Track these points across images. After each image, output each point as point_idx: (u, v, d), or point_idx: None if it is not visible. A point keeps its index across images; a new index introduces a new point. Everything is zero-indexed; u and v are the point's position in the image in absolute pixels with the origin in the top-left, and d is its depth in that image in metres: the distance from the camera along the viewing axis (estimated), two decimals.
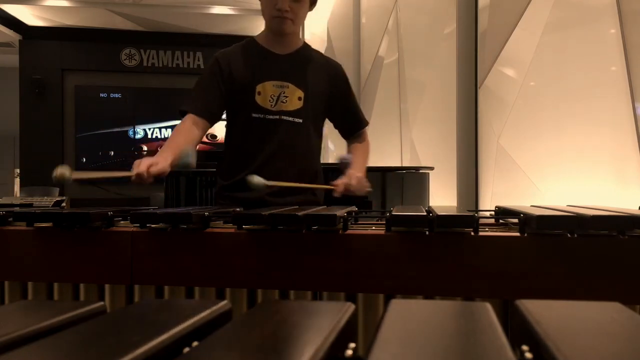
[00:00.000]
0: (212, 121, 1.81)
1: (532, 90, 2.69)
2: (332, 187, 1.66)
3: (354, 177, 1.67)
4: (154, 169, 1.47)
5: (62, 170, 1.32)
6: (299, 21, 1.79)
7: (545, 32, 2.53)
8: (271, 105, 1.79)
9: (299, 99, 1.81)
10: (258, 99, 1.79)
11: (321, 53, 2.01)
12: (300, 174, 1.82)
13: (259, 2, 1.82)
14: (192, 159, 1.53)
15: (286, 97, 1.80)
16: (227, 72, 1.81)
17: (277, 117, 1.79)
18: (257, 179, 1.55)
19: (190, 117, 1.77)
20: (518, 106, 2.76)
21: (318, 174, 1.92)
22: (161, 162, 1.50)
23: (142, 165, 1.46)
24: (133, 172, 1.45)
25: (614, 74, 2.12)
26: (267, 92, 1.79)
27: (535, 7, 2.61)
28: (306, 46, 1.92)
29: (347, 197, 1.67)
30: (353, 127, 1.97)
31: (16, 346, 0.47)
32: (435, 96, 3.67)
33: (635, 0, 2.04)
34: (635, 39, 2.02)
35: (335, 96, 1.89)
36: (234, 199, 1.78)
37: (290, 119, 1.80)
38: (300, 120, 1.81)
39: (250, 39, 1.89)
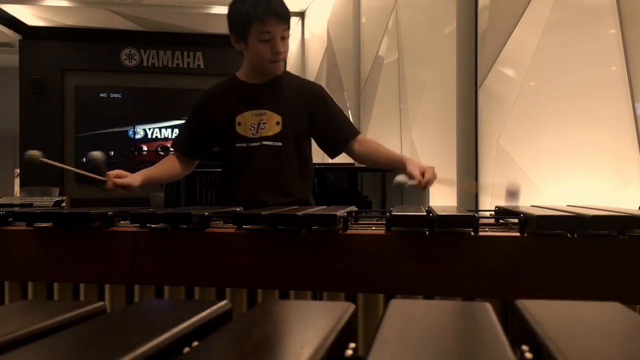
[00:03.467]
0: (195, 157, 2.00)
1: (532, 90, 2.69)
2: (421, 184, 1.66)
3: (428, 169, 1.69)
4: (119, 181, 1.68)
5: (34, 153, 1.56)
6: (286, 56, 1.88)
7: (545, 32, 2.53)
8: (252, 133, 1.86)
9: (277, 123, 1.86)
10: (239, 129, 1.87)
11: (299, 77, 2.06)
12: (285, 196, 1.86)
13: None
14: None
15: (265, 123, 1.86)
16: (207, 110, 1.93)
17: (259, 143, 1.86)
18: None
19: (174, 154, 1.97)
20: (518, 106, 2.76)
21: (300, 194, 1.91)
22: (129, 177, 1.72)
23: (112, 173, 1.68)
24: (103, 177, 1.66)
25: (614, 74, 2.12)
26: (247, 122, 1.87)
27: (535, 7, 2.61)
28: (285, 73, 1.96)
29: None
30: (341, 140, 1.93)
31: (16, 346, 0.47)
32: (435, 96, 3.67)
33: (635, 0, 2.04)
34: (635, 39, 2.02)
35: (315, 116, 1.91)
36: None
37: (271, 143, 1.86)
38: (280, 144, 1.86)
39: (232, 76, 1.98)
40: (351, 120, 5.23)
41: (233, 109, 1.88)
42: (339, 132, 1.93)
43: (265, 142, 1.85)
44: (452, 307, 0.61)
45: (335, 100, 2.00)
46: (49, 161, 1.64)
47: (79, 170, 1.70)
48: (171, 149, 2.01)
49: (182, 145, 1.98)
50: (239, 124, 1.87)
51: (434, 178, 1.68)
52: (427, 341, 0.46)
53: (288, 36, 1.81)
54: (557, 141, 2.47)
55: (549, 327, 0.48)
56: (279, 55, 1.80)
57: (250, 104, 1.87)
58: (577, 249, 1.07)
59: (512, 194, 1.61)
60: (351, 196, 2.91)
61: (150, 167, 1.92)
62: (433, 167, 1.72)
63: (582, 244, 1.07)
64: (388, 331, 0.48)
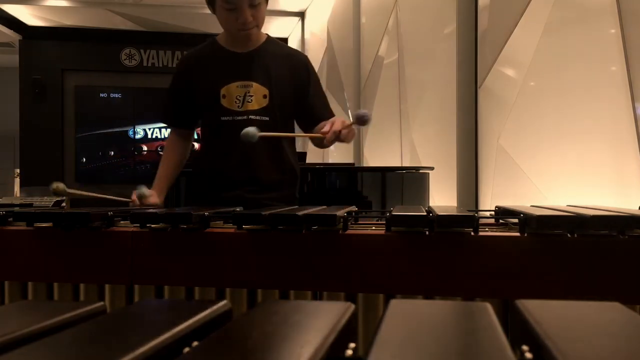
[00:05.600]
0: (193, 127, 1.95)
1: (532, 90, 2.69)
2: (322, 136, 1.61)
3: (341, 123, 1.61)
4: (146, 201, 1.71)
5: (58, 185, 1.57)
6: (262, 22, 1.76)
7: (545, 32, 2.53)
8: (238, 106, 1.78)
9: (264, 97, 1.79)
10: (224, 102, 1.79)
11: (286, 45, 1.96)
12: (273, 171, 1.82)
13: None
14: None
15: (251, 96, 1.78)
16: (190, 79, 1.84)
17: (245, 117, 1.78)
18: (251, 130, 1.52)
19: (174, 132, 1.93)
20: (518, 106, 2.76)
21: (292, 171, 1.89)
22: (153, 197, 1.75)
23: (135, 198, 1.71)
24: (130, 200, 1.71)
25: (614, 74, 2.12)
26: (232, 94, 1.78)
27: (535, 7, 2.61)
28: (269, 40, 1.87)
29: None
30: (313, 120, 1.85)
31: (16, 346, 0.47)
32: (435, 96, 3.67)
33: (635, 0, 2.04)
34: (635, 39, 2.02)
35: (297, 89, 1.84)
36: (211, 199, 1.80)
37: (258, 117, 1.78)
38: (267, 118, 1.79)
39: (212, 40, 1.87)
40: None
41: (217, 79, 1.79)
42: (313, 114, 1.86)
43: (252, 117, 1.77)
44: (452, 307, 0.61)
45: (317, 76, 1.92)
46: (74, 191, 1.70)
47: (105, 196, 1.72)
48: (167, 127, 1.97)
49: (176, 119, 1.91)
50: (224, 96, 1.78)
51: (339, 135, 1.59)
52: (427, 341, 0.46)
53: (261, 2, 1.69)
54: (557, 141, 2.47)
55: (549, 327, 0.48)
56: (246, 25, 1.70)
57: (236, 75, 1.78)
58: (577, 249, 1.07)
59: (360, 119, 1.52)
60: (351, 196, 2.91)
61: (160, 171, 1.88)
62: (344, 121, 1.62)
63: (582, 244, 1.07)
64: (388, 331, 0.48)
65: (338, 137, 1.59)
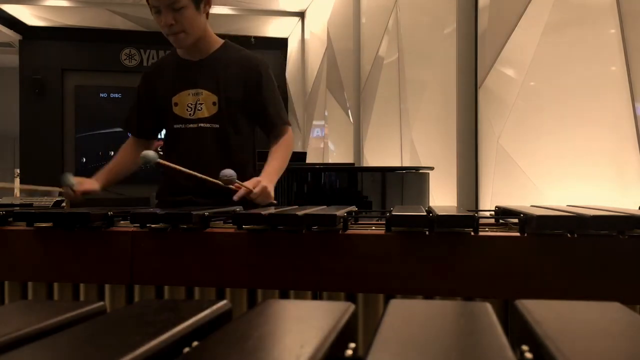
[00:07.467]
0: (152, 137, 1.97)
1: (532, 90, 2.69)
2: (232, 188, 1.56)
3: (259, 186, 1.60)
4: (80, 187, 1.70)
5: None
6: (192, 30, 1.72)
7: (545, 32, 2.53)
8: (189, 114, 1.81)
9: (214, 104, 1.80)
10: (176, 110, 1.82)
11: (242, 50, 1.90)
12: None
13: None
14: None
15: (202, 104, 1.80)
16: (150, 89, 1.89)
17: (196, 125, 1.81)
18: (151, 154, 1.50)
19: (131, 140, 1.96)
20: (518, 106, 2.76)
21: (249, 175, 1.80)
22: (89, 183, 1.76)
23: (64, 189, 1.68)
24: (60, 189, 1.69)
25: (614, 74, 2.12)
26: (183, 102, 1.81)
27: (535, 7, 2.61)
28: (225, 47, 1.86)
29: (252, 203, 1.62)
30: (267, 126, 1.85)
31: (16, 346, 0.47)
32: (435, 96, 3.67)
33: (635, 0, 2.04)
34: (635, 39, 2.02)
35: (248, 92, 1.81)
36: (167, 202, 1.86)
37: (208, 125, 1.80)
38: (218, 125, 1.80)
39: (172, 51, 1.90)
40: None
41: (170, 88, 1.82)
42: (266, 121, 1.84)
43: (202, 124, 1.79)
44: (452, 307, 0.61)
45: (273, 80, 1.87)
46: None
47: (39, 188, 1.73)
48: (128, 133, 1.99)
49: (134, 128, 1.95)
50: (176, 104, 1.81)
51: (250, 195, 1.58)
52: (427, 341, 0.46)
53: (184, 5, 1.66)
54: (557, 141, 2.47)
55: (549, 327, 0.48)
56: (168, 28, 1.69)
57: (187, 83, 1.80)
58: (577, 249, 1.07)
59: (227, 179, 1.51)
60: (351, 196, 2.91)
61: (109, 164, 1.90)
62: (264, 187, 1.61)
63: (582, 244, 1.07)
64: (387, 331, 0.48)
65: (249, 195, 1.58)
